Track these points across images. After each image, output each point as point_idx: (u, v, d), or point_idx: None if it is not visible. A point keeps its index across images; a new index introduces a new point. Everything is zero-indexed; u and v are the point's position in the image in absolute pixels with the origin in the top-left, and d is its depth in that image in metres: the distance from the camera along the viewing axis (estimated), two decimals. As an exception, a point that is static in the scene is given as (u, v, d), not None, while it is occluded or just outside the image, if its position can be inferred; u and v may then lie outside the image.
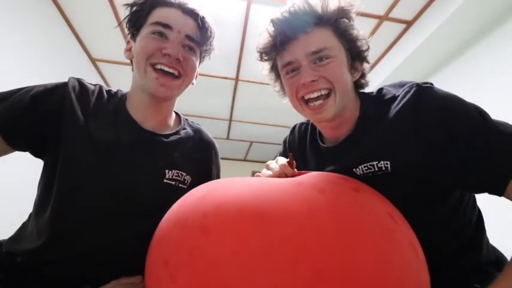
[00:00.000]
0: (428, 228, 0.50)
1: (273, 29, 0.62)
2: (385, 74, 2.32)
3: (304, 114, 0.65)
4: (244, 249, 0.35)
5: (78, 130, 0.59)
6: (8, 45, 1.64)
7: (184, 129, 0.74)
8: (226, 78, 2.66)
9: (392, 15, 1.97)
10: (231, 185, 0.45)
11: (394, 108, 0.57)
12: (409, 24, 2.05)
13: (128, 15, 0.67)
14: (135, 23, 0.66)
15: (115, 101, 0.67)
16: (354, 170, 0.59)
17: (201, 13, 0.67)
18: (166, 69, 0.63)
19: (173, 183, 0.66)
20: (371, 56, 0.67)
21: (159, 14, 0.64)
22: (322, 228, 0.36)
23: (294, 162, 0.57)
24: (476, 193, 0.58)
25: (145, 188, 0.63)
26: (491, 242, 0.65)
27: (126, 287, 0.56)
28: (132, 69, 0.71)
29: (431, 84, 0.56)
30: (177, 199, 0.64)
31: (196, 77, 0.73)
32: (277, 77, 0.70)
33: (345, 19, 0.61)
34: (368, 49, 0.65)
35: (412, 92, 0.55)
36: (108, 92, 0.69)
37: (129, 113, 0.67)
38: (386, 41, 2.21)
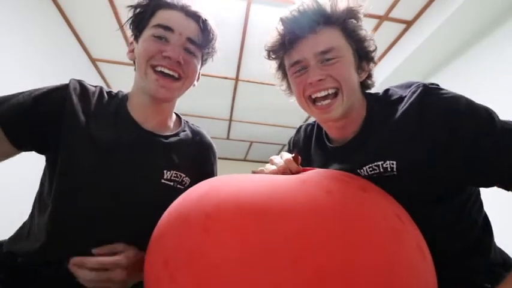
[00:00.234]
0: (434, 229, 0.50)
1: (282, 27, 0.62)
2: (385, 74, 2.32)
3: (311, 114, 0.65)
4: (246, 249, 0.34)
5: (79, 130, 0.59)
6: (8, 45, 1.64)
7: (184, 131, 0.75)
8: (226, 78, 2.66)
9: (392, 15, 1.97)
10: (233, 182, 0.44)
11: (401, 108, 0.57)
12: (409, 24, 2.05)
13: (131, 17, 0.67)
14: (138, 24, 0.66)
15: (116, 102, 0.67)
16: (358, 171, 0.59)
17: (204, 16, 0.67)
18: (166, 71, 0.63)
19: (171, 183, 0.66)
20: (371, 56, 0.67)
21: (161, 16, 0.64)
22: (327, 228, 0.35)
23: (299, 158, 0.57)
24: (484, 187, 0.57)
25: (144, 188, 0.63)
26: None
27: (130, 260, 0.56)
28: (135, 70, 0.71)
29: (438, 85, 0.57)
30: (174, 200, 0.64)
31: (198, 78, 0.74)
32: (284, 75, 0.70)
33: (353, 19, 0.61)
34: (375, 49, 0.65)
35: (418, 92, 0.56)
36: (109, 93, 0.69)
37: (130, 113, 0.67)
38: (386, 41, 2.21)
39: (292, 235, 0.34)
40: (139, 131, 0.66)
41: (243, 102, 3.12)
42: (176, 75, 0.65)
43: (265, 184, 0.41)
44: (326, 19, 0.59)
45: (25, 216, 0.66)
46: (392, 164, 0.55)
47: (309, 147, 0.74)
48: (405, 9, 1.94)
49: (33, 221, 0.61)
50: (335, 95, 0.60)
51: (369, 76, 0.66)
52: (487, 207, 0.65)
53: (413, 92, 0.56)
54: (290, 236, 0.34)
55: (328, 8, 0.59)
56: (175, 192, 0.66)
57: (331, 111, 0.60)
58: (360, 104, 0.64)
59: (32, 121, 0.57)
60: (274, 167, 0.56)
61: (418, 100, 0.55)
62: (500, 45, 1.73)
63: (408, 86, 0.60)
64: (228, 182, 0.44)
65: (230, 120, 3.52)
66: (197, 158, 0.74)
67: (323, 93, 0.60)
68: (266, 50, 0.67)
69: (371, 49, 0.64)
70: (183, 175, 0.68)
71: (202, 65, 0.74)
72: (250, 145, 4.29)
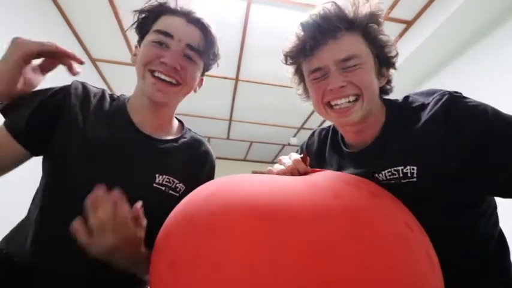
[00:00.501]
0: (448, 242, 0.49)
1: (302, 33, 0.60)
2: (385, 74, 2.32)
3: (328, 118, 0.64)
4: (252, 251, 0.34)
5: (74, 130, 0.60)
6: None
7: (185, 138, 0.74)
8: (226, 78, 2.66)
9: (392, 15, 1.97)
10: (241, 183, 0.43)
11: (425, 115, 0.56)
12: (409, 24, 2.05)
13: (135, 22, 0.68)
14: (141, 29, 0.67)
15: (116, 104, 0.68)
16: (377, 175, 0.58)
17: (206, 22, 0.67)
18: (163, 77, 0.63)
19: (163, 188, 0.66)
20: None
21: (163, 22, 0.65)
22: (333, 234, 0.34)
23: (308, 158, 0.56)
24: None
25: (135, 190, 0.62)
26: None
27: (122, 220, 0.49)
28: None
29: (461, 93, 0.56)
30: (166, 205, 0.60)
31: (201, 84, 0.75)
32: (301, 80, 0.70)
33: (374, 24, 0.59)
34: (397, 55, 0.64)
35: (444, 99, 0.55)
36: (111, 96, 0.70)
37: (129, 115, 0.67)
38: (386, 41, 2.21)
39: (298, 240, 0.34)
40: (135, 133, 0.66)
41: (243, 102, 3.12)
42: (174, 81, 0.64)
43: (272, 186, 0.41)
44: (348, 24, 0.57)
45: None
46: (413, 169, 0.54)
47: (324, 151, 0.74)
48: (405, 9, 1.94)
49: (29, 220, 0.61)
50: (355, 101, 0.59)
51: (388, 81, 0.66)
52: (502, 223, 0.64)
53: (439, 100, 0.55)
54: (296, 241, 0.34)
55: (350, 13, 0.57)
56: (167, 197, 0.66)
57: (350, 115, 0.59)
58: (378, 110, 0.63)
59: (42, 124, 0.59)
60: (282, 167, 0.56)
61: (444, 107, 0.54)
62: (500, 45, 1.73)
63: (431, 93, 0.59)
64: (236, 182, 0.43)
65: (230, 120, 3.52)
66: (194, 165, 0.73)
67: (343, 101, 0.59)
68: (284, 55, 0.65)
69: (392, 55, 0.63)
70: (176, 181, 0.67)
71: (204, 71, 0.74)
72: (250, 145, 4.29)
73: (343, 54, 0.57)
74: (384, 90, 0.66)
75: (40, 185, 0.63)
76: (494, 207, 0.61)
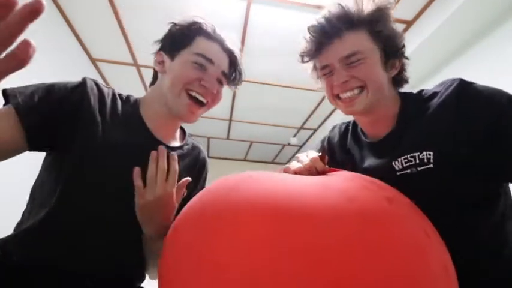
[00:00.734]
0: (465, 241, 0.49)
1: (309, 36, 0.65)
2: (385, 74, 2.32)
3: (339, 108, 0.70)
4: (261, 249, 0.34)
5: (93, 131, 0.60)
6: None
7: (187, 145, 0.78)
8: (226, 78, 2.66)
9: (392, 15, 1.97)
10: (257, 181, 0.43)
11: (437, 101, 0.59)
12: (409, 24, 2.05)
13: (170, 32, 0.71)
14: (177, 42, 0.69)
15: (129, 106, 0.69)
16: (394, 163, 0.60)
17: (237, 54, 0.73)
18: (200, 98, 0.69)
19: None
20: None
21: (204, 46, 0.68)
22: (345, 238, 0.34)
23: (326, 157, 0.57)
24: None
25: None
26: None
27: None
28: (153, 78, 0.75)
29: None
30: None
31: None
32: (318, 76, 0.75)
33: (379, 20, 0.63)
34: (403, 45, 0.66)
35: (454, 84, 0.57)
36: (120, 96, 0.71)
37: (143, 119, 0.69)
38: (386, 41, 2.21)
39: (308, 241, 0.33)
40: (150, 138, 0.68)
41: (243, 102, 3.12)
42: (205, 101, 0.70)
43: (287, 187, 0.41)
44: (350, 24, 0.61)
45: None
46: (429, 154, 0.56)
47: (345, 143, 0.78)
48: (405, 9, 1.94)
49: (29, 220, 0.61)
50: (360, 92, 0.63)
51: (401, 71, 0.68)
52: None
53: (450, 85, 0.58)
54: (306, 243, 0.33)
55: (353, 12, 0.61)
56: None
57: (354, 105, 0.64)
58: (391, 101, 0.66)
59: (51, 125, 0.57)
60: (300, 165, 0.56)
61: (455, 92, 0.56)
62: (500, 45, 1.73)
63: (442, 83, 0.62)
64: (252, 180, 0.44)
65: (230, 120, 3.52)
66: (194, 171, 0.77)
67: (348, 94, 0.64)
68: (299, 55, 0.72)
69: (400, 46, 0.65)
70: None
71: None
72: (250, 145, 4.29)
73: (346, 51, 0.61)
74: (398, 81, 0.69)
75: (44, 185, 0.62)
76: None
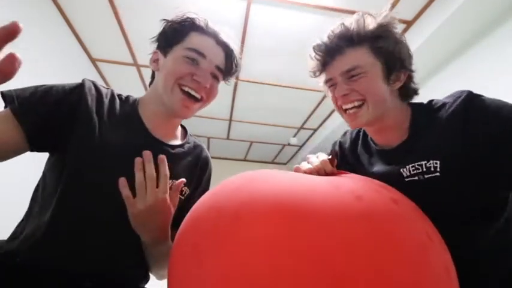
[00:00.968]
0: (470, 251, 0.50)
1: (314, 54, 0.71)
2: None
3: (346, 121, 0.73)
4: (274, 244, 0.35)
5: (90, 131, 0.60)
6: (7, 45, 1.64)
7: (189, 143, 0.78)
8: (226, 78, 2.66)
9: (392, 15, 1.97)
10: (269, 178, 0.45)
11: (446, 112, 0.61)
12: (409, 24, 2.05)
13: (163, 29, 0.70)
14: (169, 39, 0.68)
15: (127, 106, 0.69)
16: (402, 170, 0.62)
17: (232, 46, 0.71)
18: (193, 93, 0.67)
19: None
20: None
21: (196, 40, 0.67)
22: (352, 235, 0.35)
23: (335, 160, 0.60)
24: None
25: None
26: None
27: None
28: (152, 77, 0.74)
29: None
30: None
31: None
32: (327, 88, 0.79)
33: (381, 36, 0.66)
34: (409, 58, 0.69)
35: (463, 96, 0.60)
36: (119, 96, 0.71)
37: (142, 119, 0.69)
38: (386, 41, 2.21)
39: (318, 240, 0.34)
40: (148, 138, 0.68)
41: (243, 102, 3.12)
42: (199, 97, 0.69)
43: (298, 184, 0.42)
44: (351, 41, 0.65)
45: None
46: (436, 163, 0.57)
47: (355, 149, 0.80)
48: (405, 9, 1.94)
49: (31, 220, 0.61)
50: (361, 105, 0.66)
51: (407, 83, 0.70)
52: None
53: (458, 97, 0.61)
54: (316, 239, 0.34)
55: (354, 31, 0.65)
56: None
57: (356, 119, 0.67)
58: (398, 112, 0.69)
59: (50, 127, 0.58)
60: (310, 166, 0.59)
61: (463, 104, 0.59)
62: (500, 45, 1.73)
63: (452, 94, 0.64)
64: (265, 177, 0.45)
65: (230, 120, 3.52)
66: (196, 169, 0.77)
67: (349, 105, 0.67)
68: (310, 72, 0.76)
69: (402, 58, 0.67)
70: (182, 185, 0.69)
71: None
72: (250, 145, 4.29)
73: (347, 66, 0.65)
74: (404, 93, 0.70)
75: (46, 186, 0.63)
76: None
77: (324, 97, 2.89)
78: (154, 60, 0.71)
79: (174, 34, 0.68)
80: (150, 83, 0.76)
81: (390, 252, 0.35)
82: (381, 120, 0.67)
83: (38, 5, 1.89)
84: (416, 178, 0.59)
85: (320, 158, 0.60)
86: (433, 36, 1.92)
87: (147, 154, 0.58)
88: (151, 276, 0.74)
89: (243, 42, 2.24)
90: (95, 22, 2.14)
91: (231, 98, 3.04)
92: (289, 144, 4.04)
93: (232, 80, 0.79)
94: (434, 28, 1.87)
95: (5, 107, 0.57)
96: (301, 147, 4.21)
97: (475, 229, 0.57)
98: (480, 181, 0.54)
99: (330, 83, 0.71)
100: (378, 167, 0.69)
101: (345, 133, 0.88)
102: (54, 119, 0.58)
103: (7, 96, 0.56)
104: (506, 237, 0.58)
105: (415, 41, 2.04)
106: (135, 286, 0.70)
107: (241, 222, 0.38)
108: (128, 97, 0.72)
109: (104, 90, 0.67)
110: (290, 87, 2.78)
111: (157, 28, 0.73)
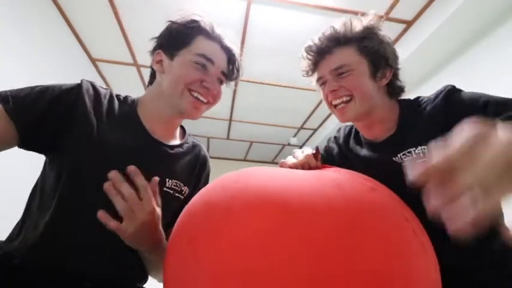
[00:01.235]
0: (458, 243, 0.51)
1: (305, 54, 0.76)
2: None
3: (336, 116, 0.77)
4: (264, 235, 0.37)
5: (89, 132, 0.60)
6: (7, 45, 1.64)
7: (187, 143, 0.78)
8: (226, 78, 2.67)
9: (392, 15, 1.97)
10: (256, 174, 0.48)
11: (430, 104, 0.67)
12: (409, 24, 2.05)
13: (168, 30, 0.70)
14: (176, 41, 0.69)
15: (126, 107, 0.69)
16: (394, 158, 0.67)
17: (235, 51, 0.73)
18: (201, 98, 0.69)
19: (171, 191, 0.69)
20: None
21: (204, 45, 0.68)
22: (332, 222, 0.38)
23: (319, 155, 0.63)
24: None
25: None
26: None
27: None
28: (151, 77, 0.74)
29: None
30: (173, 207, 0.69)
31: None
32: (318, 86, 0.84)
33: (367, 36, 0.71)
34: (390, 58, 0.73)
35: (444, 91, 0.66)
36: (118, 97, 0.70)
37: (141, 120, 0.69)
38: (386, 41, 2.21)
39: (304, 228, 0.37)
40: (147, 138, 0.68)
41: (243, 102, 3.12)
42: (206, 101, 0.70)
43: (285, 176, 0.46)
44: (339, 42, 0.71)
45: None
46: (424, 149, 0.62)
47: (348, 142, 0.86)
48: (405, 9, 1.94)
49: (29, 221, 0.61)
50: (349, 101, 0.71)
51: (392, 80, 0.75)
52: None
53: (441, 91, 0.67)
54: (302, 228, 0.37)
55: (341, 32, 0.71)
56: (174, 200, 0.70)
57: (345, 113, 0.72)
58: (386, 107, 0.74)
59: (44, 126, 0.57)
60: (295, 160, 0.62)
61: (444, 98, 0.65)
62: (500, 45, 1.73)
63: (437, 90, 0.69)
64: (253, 173, 0.49)
65: (230, 120, 3.52)
66: (195, 169, 0.77)
67: (338, 101, 0.72)
68: (303, 71, 0.81)
69: (387, 57, 0.72)
70: (182, 184, 0.71)
71: None
72: (250, 145, 4.29)
73: (335, 64, 0.71)
74: (391, 90, 0.75)
75: (45, 186, 0.62)
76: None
77: (324, 97, 2.89)
78: (158, 61, 0.71)
79: (181, 37, 0.68)
80: (150, 83, 0.76)
81: (368, 236, 0.38)
82: (369, 115, 0.72)
83: (38, 5, 1.89)
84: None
85: (305, 152, 0.63)
86: (433, 36, 1.92)
87: (115, 175, 0.54)
88: (151, 276, 0.74)
89: (243, 42, 2.25)
90: (95, 22, 2.14)
91: (231, 98, 3.04)
92: (289, 144, 4.04)
93: (232, 84, 0.80)
94: (434, 28, 1.87)
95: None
96: (301, 147, 4.21)
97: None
98: None
99: (321, 81, 0.76)
100: (370, 155, 0.74)
101: (339, 129, 0.93)
102: (49, 118, 0.57)
103: (2, 97, 0.56)
104: (489, 239, 0.59)
105: (415, 41, 2.04)
106: (135, 286, 0.70)
107: (232, 215, 0.40)
108: (126, 97, 0.72)
109: (102, 91, 0.67)
110: (290, 87, 2.79)
111: (158, 28, 0.73)
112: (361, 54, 0.71)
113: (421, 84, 2.34)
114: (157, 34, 0.73)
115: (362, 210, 0.41)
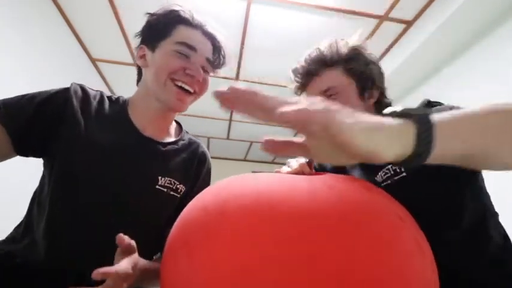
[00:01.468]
0: (447, 244, 0.51)
1: (294, 76, 0.78)
2: (385, 74, 2.32)
3: None
4: (257, 237, 0.37)
5: (78, 133, 0.60)
6: (8, 45, 1.64)
7: (183, 140, 0.76)
8: (226, 78, 2.66)
9: (392, 15, 1.97)
10: (250, 179, 0.49)
11: None
12: (409, 24, 2.05)
13: (146, 24, 0.69)
14: (156, 33, 0.67)
15: (116, 107, 0.69)
16: (375, 178, 0.65)
17: (219, 38, 0.70)
18: (186, 87, 0.67)
19: (165, 190, 0.67)
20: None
21: (184, 33, 0.67)
22: (322, 219, 0.38)
23: (313, 163, 0.63)
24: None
25: (139, 193, 0.64)
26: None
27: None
28: (138, 74, 0.73)
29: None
30: (168, 206, 0.68)
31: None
32: None
33: (353, 58, 0.72)
34: (381, 76, 0.75)
35: (421, 103, 0.65)
36: (109, 97, 0.70)
37: (130, 118, 0.68)
38: (386, 41, 2.21)
39: (294, 226, 0.37)
40: (137, 137, 0.67)
41: (243, 102, 3.12)
42: (192, 90, 0.68)
43: (279, 181, 0.46)
44: (325, 64, 0.72)
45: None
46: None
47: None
48: (405, 9, 1.94)
49: (30, 222, 0.61)
50: None
51: (380, 99, 0.76)
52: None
53: (420, 105, 0.66)
54: (292, 227, 0.37)
55: (327, 54, 0.72)
56: (168, 198, 0.68)
57: None
58: None
59: (35, 129, 0.58)
60: (289, 169, 0.62)
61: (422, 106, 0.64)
62: (500, 45, 1.73)
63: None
64: (246, 178, 0.49)
65: (230, 120, 3.52)
66: (192, 166, 0.75)
67: None
68: (293, 90, 0.82)
69: (373, 77, 0.73)
70: (177, 182, 0.69)
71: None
72: (250, 145, 4.29)
73: (323, 86, 0.72)
74: (379, 108, 0.75)
75: (43, 188, 0.63)
76: (493, 207, 0.63)
77: (324, 97, 2.89)
78: (141, 56, 0.70)
79: (161, 28, 0.67)
80: (138, 81, 0.75)
81: (360, 233, 0.38)
82: None
83: (38, 5, 1.89)
84: (389, 182, 0.62)
85: (299, 161, 0.63)
86: (433, 36, 1.92)
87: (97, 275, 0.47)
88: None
89: (243, 42, 2.25)
90: (95, 22, 2.14)
91: (231, 98, 3.04)
92: (289, 144, 4.04)
93: (220, 71, 0.78)
94: (434, 28, 1.87)
95: None
96: (301, 147, 4.21)
97: (449, 224, 0.59)
98: (445, 172, 0.54)
99: None
100: (356, 173, 0.73)
101: None
102: (38, 121, 0.58)
103: None
104: (484, 229, 0.59)
105: (415, 41, 2.04)
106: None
107: (226, 219, 0.41)
108: (118, 98, 0.71)
109: (91, 92, 0.66)
110: (290, 87, 2.78)
111: (157, 28, 0.73)
112: (348, 76, 0.72)
113: (421, 85, 2.34)
114: (140, 29, 0.72)
115: (354, 208, 0.41)
